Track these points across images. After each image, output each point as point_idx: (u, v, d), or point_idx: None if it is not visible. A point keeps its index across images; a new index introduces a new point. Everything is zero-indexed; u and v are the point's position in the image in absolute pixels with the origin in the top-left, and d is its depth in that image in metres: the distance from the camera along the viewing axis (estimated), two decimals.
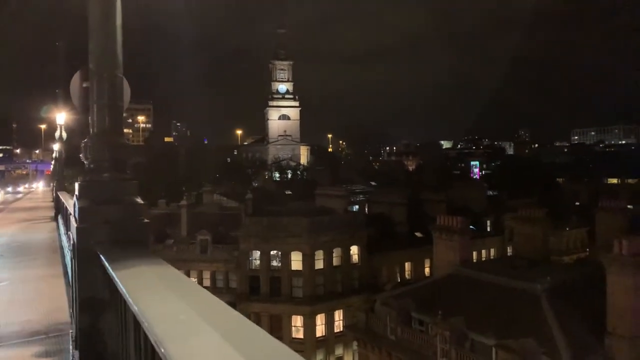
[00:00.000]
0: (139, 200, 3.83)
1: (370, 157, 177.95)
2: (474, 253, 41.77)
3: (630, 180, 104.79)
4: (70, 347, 4.22)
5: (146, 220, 3.69)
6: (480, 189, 60.56)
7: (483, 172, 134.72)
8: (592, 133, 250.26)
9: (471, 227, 36.84)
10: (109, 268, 2.64)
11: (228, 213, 47.68)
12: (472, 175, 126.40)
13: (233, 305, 40.41)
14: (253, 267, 40.83)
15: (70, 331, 4.46)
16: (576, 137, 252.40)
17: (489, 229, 49.27)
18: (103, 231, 3.44)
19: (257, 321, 39.15)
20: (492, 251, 48.33)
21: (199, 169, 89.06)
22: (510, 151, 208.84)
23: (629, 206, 42.17)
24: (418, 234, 45.29)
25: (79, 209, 3.58)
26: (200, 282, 42.25)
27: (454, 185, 62.48)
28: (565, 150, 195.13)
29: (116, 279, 2.36)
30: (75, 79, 4.22)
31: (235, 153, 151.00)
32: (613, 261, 20.85)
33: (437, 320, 24.00)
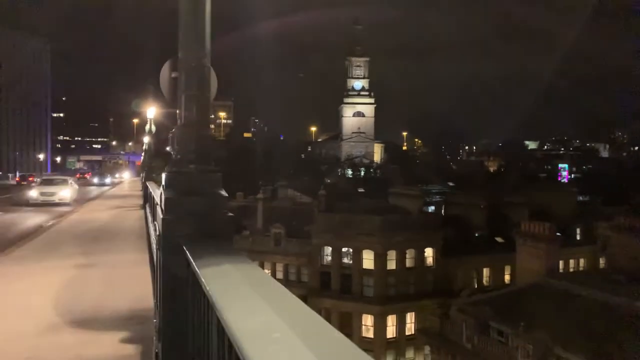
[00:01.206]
0: (223, 192, 3.72)
1: (448, 157, 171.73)
2: (561, 263, 38.68)
3: None
4: (154, 337, 4.25)
5: (230, 214, 3.57)
6: (569, 194, 56.02)
7: (572, 175, 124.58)
8: None
9: (558, 234, 34.08)
10: (193, 264, 2.49)
11: (301, 208, 48.30)
12: (560, 178, 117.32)
13: (304, 298, 40.93)
14: (325, 263, 41.04)
15: (154, 321, 4.50)
16: None
17: (578, 238, 45.39)
18: (188, 223, 3.35)
19: (327, 317, 39.33)
20: (582, 262, 44.47)
21: (274, 164, 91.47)
22: (604, 153, 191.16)
23: None
24: (498, 239, 42.85)
25: (165, 199, 3.53)
26: (273, 274, 43.30)
27: (540, 189, 58.33)
28: None
29: (201, 277, 2.19)
30: (165, 69, 4.21)
31: (310, 149, 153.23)
32: None
33: (518, 332, 22.47)
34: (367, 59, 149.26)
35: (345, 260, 40.49)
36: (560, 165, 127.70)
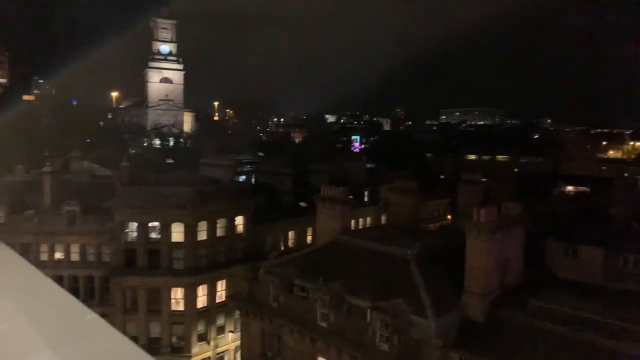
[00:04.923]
0: None
1: (258, 127, 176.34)
2: (353, 222, 44.18)
3: (485, 157, 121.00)
4: None
5: None
6: (360, 162, 64.12)
7: (363, 145, 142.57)
8: (457, 114, 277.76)
9: (350, 196, 38.73)
10: None
11: (101, 182, 43.75)
12: (353, 148, 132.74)
13: (106, 279, 37.75)
14: (129, 240, 38.29)
15: None
16: (443, 117, 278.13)
17: (366, 199, 52.43)
18: None
19: (134, 295, 37.20)
20: (369, 220, 51.63)
21: (66, 133, 79.96)
22: (387, 127, 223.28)
23: (483, 179, 47.75)
24: (302, 204, 46.43)
25: None
26: (67, 256, 38.67)
27: (337, 158, 65.17)
28: (434, 128, 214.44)
29: None
30: None
31: (110, 116, 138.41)
32: (472, 227, 23.48)
33: (317, 286, 25.06)
34: (174, 21, 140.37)
35: (153, 235, 38.52)
36: (353, 137, 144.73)
